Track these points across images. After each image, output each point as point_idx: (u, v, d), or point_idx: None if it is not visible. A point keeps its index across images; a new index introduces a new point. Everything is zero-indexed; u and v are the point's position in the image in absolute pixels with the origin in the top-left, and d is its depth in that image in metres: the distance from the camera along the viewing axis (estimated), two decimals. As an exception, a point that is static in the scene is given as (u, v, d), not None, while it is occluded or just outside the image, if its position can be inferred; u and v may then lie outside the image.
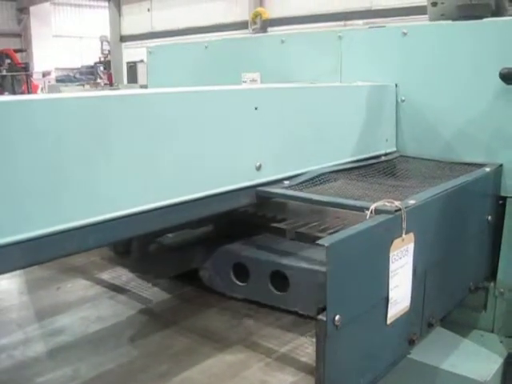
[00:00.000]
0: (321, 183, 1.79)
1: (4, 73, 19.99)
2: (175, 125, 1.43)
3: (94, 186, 1.22)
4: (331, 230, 1.75)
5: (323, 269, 1.47)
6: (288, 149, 1.82)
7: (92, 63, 24.25)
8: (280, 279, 1.61)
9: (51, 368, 1.40)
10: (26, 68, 20.82)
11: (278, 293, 1.62)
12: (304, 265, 1.60)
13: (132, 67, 19.17)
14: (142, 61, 17.55)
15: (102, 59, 23.37)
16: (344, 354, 1.26)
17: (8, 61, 20.55)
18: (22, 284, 1.74)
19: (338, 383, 1.25)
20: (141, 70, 17.81)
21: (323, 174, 1.86)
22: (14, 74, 19.98)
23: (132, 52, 21.17)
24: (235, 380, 1.34)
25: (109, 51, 23.17)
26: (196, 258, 1.80)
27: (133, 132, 1.31)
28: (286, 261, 1.63)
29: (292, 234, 1.81)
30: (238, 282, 1.71)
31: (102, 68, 23.33)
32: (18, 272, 1.58)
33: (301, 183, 1.76)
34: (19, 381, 1.35)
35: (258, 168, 1.68)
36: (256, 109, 1.67)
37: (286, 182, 1.76)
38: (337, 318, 1.19)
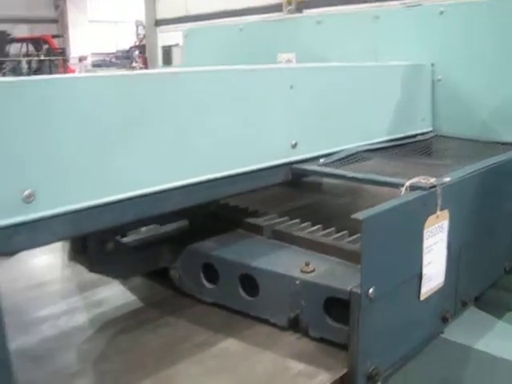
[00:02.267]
0: (356, 161, 1.80)
1: (42, 57, 20.33)
2: (212, 103, 1.46)
3: (132, 162, 1.26)
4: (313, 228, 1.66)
5: (296, 274, 1.41)
6: (323, 127, 1.83)
7: (127, 48, 24.43)
8: (251, 283, 1.48)
9: (93, 337, 1.46)
10: (62, 53, 21.17)
11: (248, 298, 1.49)
12: (276, 268, 1.45)
13: (167, 51, 19.26)
14: (176, 44, 17.60)
15: (137, 43, 23.53)
16: (377, 326, 1.28)
17: (46, 46, 20.89)
18: (65, 258, 1.80)
19: (372, 355, 1.27)
20: (176, 53, 17.87)
21: (358, 152, 1.87)
22: (52, 58, 20.31)
23: (167, 36, 21.23)
24: (273, 349, 1.36)
25: (144, 35, 23.29)
26: (163, 257, 1.65)
27: (170, 110, 1.34)
28: (256, 263, 1.48)
29: (269, 232, 1.67)
30: (207, 284, 1.58)
31: (137, 52, 23.49)
32: (60, 246, 1.64)
33: (336, 161, 1.77)
34: (65, 348, 1.41)
35: (294, 146, 1.70)
36: (291, 87, 1.68)
37: (321, 160, 1.77)
38: (371, 290, 1.21)
